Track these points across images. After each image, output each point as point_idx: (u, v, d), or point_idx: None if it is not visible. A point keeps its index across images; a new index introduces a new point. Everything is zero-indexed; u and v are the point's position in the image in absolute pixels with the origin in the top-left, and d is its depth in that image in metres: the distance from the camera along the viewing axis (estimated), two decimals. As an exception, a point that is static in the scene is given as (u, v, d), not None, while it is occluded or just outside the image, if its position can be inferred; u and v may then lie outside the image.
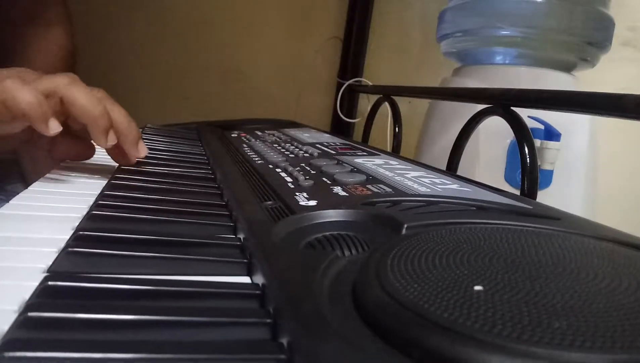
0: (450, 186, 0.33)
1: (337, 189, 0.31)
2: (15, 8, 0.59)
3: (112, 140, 0.36)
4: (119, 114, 0.36)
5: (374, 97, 0.90)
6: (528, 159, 0.48)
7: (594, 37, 0.76)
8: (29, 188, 0.32)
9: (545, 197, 0.66)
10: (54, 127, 0.32)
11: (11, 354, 0.13)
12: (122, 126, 0.36)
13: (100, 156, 0.43)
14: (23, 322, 0.15)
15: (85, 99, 0.34)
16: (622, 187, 1.13)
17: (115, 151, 0.38)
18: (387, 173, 0.37)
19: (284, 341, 0.15)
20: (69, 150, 0.39)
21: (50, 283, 0.17)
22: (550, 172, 0.70)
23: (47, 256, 0.21)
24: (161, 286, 0.18)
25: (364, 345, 0.14)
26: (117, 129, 0.36)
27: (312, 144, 0.53)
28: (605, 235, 0.24)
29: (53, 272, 0.19)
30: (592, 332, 0.13)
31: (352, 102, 1.15)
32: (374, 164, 0.41)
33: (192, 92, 1.10)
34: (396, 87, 0.84)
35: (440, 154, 0.67)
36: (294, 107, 1.16)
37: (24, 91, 0.31)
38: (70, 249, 0.21)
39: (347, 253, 0.22)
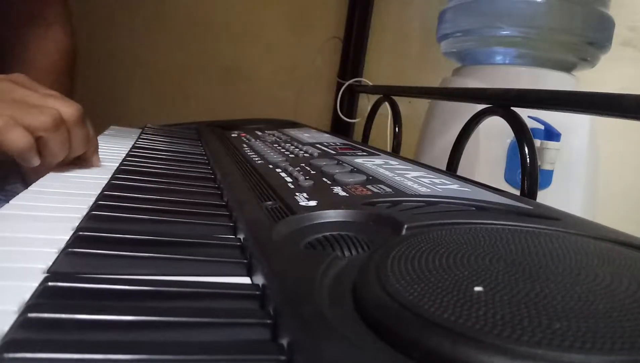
0: (450, 186, 0.33)
1: (337, 190, 0.31)
2: (15, 8, 0.59)
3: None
4: (76, 140, 0.38)
5: (374, 97, 0.90)
6: (528, 159, 0.48)
7: (594, 37, 0.76)
8: (29, 188, 0.32)
9: (545, 197, 0.66)
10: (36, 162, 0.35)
11: (11, 355, 0.13)
12: (79, 152, 0.39)
13: (101, 156, 0.43)
14: (23, 323, 0.15)
15: (57, 149, 0.36)
16: (623, 187, 1.13)
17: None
18: (387, 173, 0.37)
19: (284, 341, 0.15)
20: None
21: (50, 283, 0.17)
22: (550, 172, 0.70)
23: (47, 256, 0.21)
24: (161, 287, 0.18)
25: (365, 345, 0.14)
26: (74, 154, 0.39)
27: (312, 144, 0.53)
28: (605, 236, 0.24)
29: (53, 273, 0.19)
30: (592, 333, 0.13)
31: (352, 102, 1.15)
32: (374, 164, 0.41)
33: (192, 92, 1.10)
34: (396, 87, 0.84)
35: (440, 154, 0.67)
36: (294, 107, 1.16)
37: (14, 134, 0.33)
38: (70, 249, 0.21)
39: (347, 253, 0.22)
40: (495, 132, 0.68)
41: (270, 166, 0.41)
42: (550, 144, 0.68)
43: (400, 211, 0.26)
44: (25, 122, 0.33)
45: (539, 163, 0.53)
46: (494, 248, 0.20)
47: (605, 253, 0.20)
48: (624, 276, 0.17)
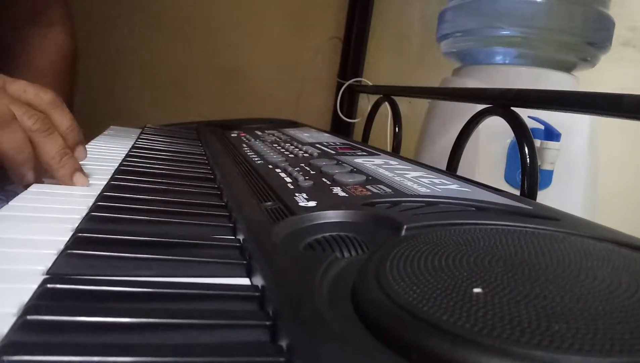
0: (449, 187, 0.33)
1: (337, 190, 0.31)
2: (15, 8, 0.59)
3: (30, 179, 0.35)
4: (61, 124, 0.35)
5: (374, 97, 0.90)
6: (528, 159, 0.48)
7: (594, 37, 0.76)
8: (28, 189, 0.32)
9: (545, 197, 0.66)
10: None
11: (10, 357, 0.13)
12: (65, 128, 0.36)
13: (100, 156, 0.43)
14: (22, 325, 0.15)
15: (7, 145, 0.33)
16: (622, 187, 1.12)
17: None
18: (386, 173, 0.37)
19: (284, 343, 0.15)
20: None
21: (49, 285, 0.17)
22: (550, 172, 0.70)
23: (46, 258, 0.21)
24: (160, 289, 0.18)
25: (364, 347, 0.14)
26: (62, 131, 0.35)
27: (312, 144, 0.53)
28: (605, 236, 0.24)
29: (52, 274, 0.19)
30: (592, 335, 0.13)
31: (352, 102, 1.15)
32: (373, 164, 0.41)
33: (192, 92, 1.10)
34: (396, 87, 0.84)
35: (440, 154, 0.67)
36: (294, 107, 1.16)
37: None
38: (69, 251, 0.21)
39: (346, 254, 0.22)
40: (495, 132, 0.68)
41: (270, 166, 0.40)
42: (550, 144, 0.68)
43: (399, 211, 0.26)
44: None
45: (539, 163, 0.53)
46: (493, 249, 0.20)
47: (605, 253, 0.20)
48: (623, 277, 0.17)
